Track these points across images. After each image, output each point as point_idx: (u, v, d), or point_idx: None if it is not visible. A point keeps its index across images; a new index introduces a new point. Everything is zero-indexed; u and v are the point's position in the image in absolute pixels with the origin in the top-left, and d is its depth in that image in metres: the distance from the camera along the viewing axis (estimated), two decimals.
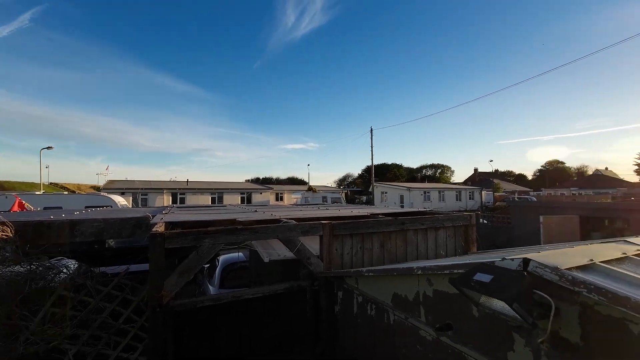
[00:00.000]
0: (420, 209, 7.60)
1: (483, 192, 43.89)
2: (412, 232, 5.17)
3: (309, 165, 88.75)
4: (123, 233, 4.50)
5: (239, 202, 34.34)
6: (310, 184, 48.55)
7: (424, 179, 69.10)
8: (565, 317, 1.64)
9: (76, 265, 4.34)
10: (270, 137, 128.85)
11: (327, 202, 29.99)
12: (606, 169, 66.30)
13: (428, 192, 38.99)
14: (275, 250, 4.97)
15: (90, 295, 3.63)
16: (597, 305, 1.53)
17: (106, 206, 12.19)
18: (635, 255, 2.06)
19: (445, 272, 2.27)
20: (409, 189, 37.57)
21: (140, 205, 28.73)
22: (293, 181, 76.70)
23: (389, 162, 76.04)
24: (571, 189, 50.39)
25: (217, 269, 6.84)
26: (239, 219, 4.72)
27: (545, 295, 1.58)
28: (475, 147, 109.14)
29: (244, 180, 54.66)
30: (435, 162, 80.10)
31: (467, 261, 2.17)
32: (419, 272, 2.53)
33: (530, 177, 76.91)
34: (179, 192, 33.50)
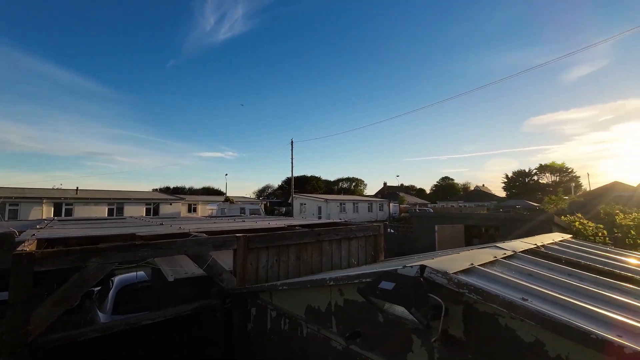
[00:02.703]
0: (335, 220, 7.91)
1: (391, 204, 48.36)
2: (327, 242, 5.32)
3: (226, 175, 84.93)
4: None
5: (143, 214, 30.59)
6: (227, 195, 46.39)
7: (341, 191, 72.87)
8: (453, 316, 1.86)
9: None
10: (184, 144, 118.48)
11: (245, 213, 28.96)
12: (483, 185, 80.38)
13: (344, 204, 41.11)
14: (183, 268, 4.53)
15: None
16: (476, 303, 1.77)
17: None
18: (503, 258, 2.48)
19: (354, 281, 2.36)
20: (326, 200, 39.02)
21: (6, 219, 23.09)
22: (209, 191, 72.23)
23: (309, 174, 78.14)
24: (458, 202, 59.42)
25: (110, 292, 5.88)
26: (140, 234, 4.17)
27: (437, 298, 1.77)
28: (385, 162, 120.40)
29: (150, 190, 49.10)
30: (351, 176, 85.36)
31: (374, 270, 2.31)
32: (331, 282, 2.59)
33: (428, 191, 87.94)
34: (64, 202, 27.98)
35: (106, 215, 27.90)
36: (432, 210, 31.31)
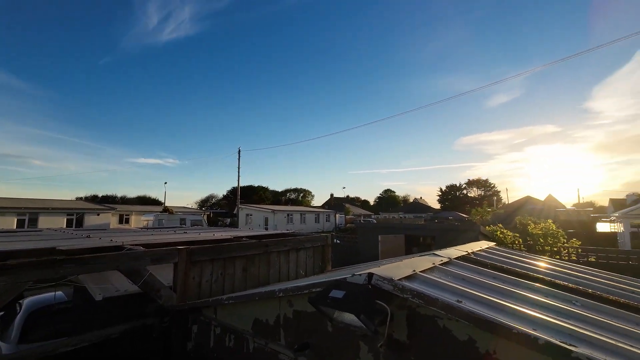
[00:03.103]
0: (283, 231, 7.85)
1: (337, 215, 49.44)
2: (276, 254, 5.25)
3: (166, 183, 77.93)
4: None
5: (64, 226, 26.94)
6: (166, 205, 43.16)
7: (288, 202, 72.57)
8: (397, 320, 1.96)
9: None
10: (116, 148, 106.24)
11: (186, 224, 27.18)
12: (421, 198, 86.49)
13: (291, 215, 40.96)
14: (114, 285, 4.09)
15: None
16: (418, 307, 1.90)
17: None
18: (440, 264, 2.70)
19: (304, 292, 2.37)
20: (273, 211, 38.50)
21: None
22: (145, 201, 66.46)
23: (256, 185, 76.50)
24: (399, 213, 63.00)
25: (17, 318, 5.03)
26: (61, 248, 3.68)
27: (383, 304, 1.86)
28: (332, 174, 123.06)
29: (73, 198, 43.62)
30: (299, 187, 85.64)
31: (324, 279, 2.34)
32: (281, 294, 2.56)
33: (372, 203, 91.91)
34: None
35: (14, 227, 24.01)
36: (375, 221, 32.72)
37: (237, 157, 35.96)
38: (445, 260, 2.88)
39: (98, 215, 30.62)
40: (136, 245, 4.20)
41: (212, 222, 44.86)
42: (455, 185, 76.54)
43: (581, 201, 53.93)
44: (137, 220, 34.74)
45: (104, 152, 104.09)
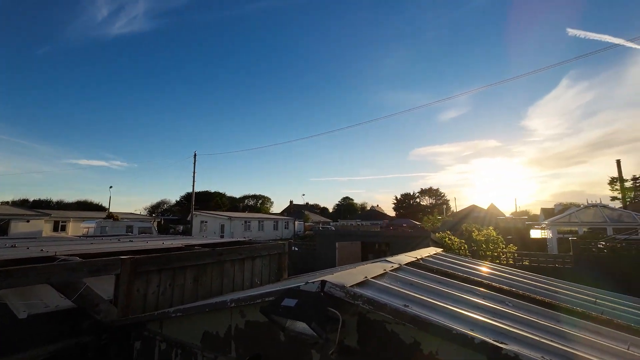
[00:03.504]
0: (239, 239, 7.64)
1: (296, 222, 49.25)
2: (230, 263, 5.08)
3: (111, 187, 71.49)
4: None
5: None
6: (111, 211, 39.81)
7: (246, 208, 70.86)
8: (349, 326, 2.00)
9: None
10: (53, 147, 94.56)
11: (133, 232, 25.24)
12: (377, 205, 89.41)
13: (249, 222, 39.97)
14: (42, 300, 3.67)
15: None
16: (368, 313, 1.96)
17: None
18: (391, 270, 2.81)
19: (257, 301, 2.32)
20: (230, 218, 37.29)
21: None
22: (86, 206, 60.61)
23: (212, 190, 73.59)
24: (357, 220, 64.47)
25: None
26: None
27: (335, 311, 1.89)
28: (292, 181, 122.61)
29: None
30: (257, 193, 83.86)
31: (277, 288, 2.32)
32: (232, 304, 2.48)
33: (331, 210, 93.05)
34: None
35: None
36: (334, 228, 33.13)
37: (193, 161, 34.45)
38: (396, 266, 3.00)
39: (28, 222, 27.36)
40: (72, 255, 3.83)
41: (164, 230, 42.26)
42: (409, 194, 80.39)
43: (518, 210, 59.62)
44: (76, 228, 31.53)
45: (37, 151, 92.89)
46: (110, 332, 3.51)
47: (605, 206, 18.72)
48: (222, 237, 34.31)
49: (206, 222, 38.93)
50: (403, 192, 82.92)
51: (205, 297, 4.58)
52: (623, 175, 28.37)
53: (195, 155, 34.45)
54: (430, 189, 78.85)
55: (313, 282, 2.04)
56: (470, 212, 42.58)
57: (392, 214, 77.78)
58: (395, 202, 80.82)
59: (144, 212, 65.21)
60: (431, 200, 77.98)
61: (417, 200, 79.33)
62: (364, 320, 1.97)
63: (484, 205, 48.46)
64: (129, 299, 3.69)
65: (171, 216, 62.06)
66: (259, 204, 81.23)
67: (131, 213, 44.13)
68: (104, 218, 29.83)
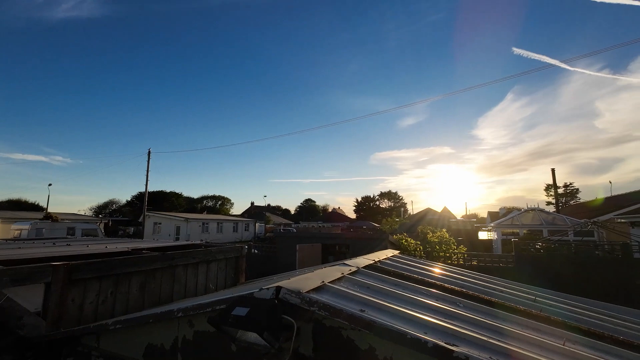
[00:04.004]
0: (195, 242, 7.25)
1: (257, 224, 48.28)
2: (182, 267, 4.77)
3: (50, 185, 64.25)
4: None
5: None
6: (50, 211, 35.97)
7: (204, 209, 67.97)
8: (304, 334, 1.93)
9: None
10: None
11: (75, 234, 22.95)
12: (339, 208, 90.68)
13: (207, 224, 38.44)
14: None
15: None
16: (324, 319, 1.90)
17: None
18: (348, 274, 2.79)
19: (207, 310, 2.16)
20: (186, 219, 35.59)
21: None
22: (19, 205, 54.09)
23: (168, 190, 69.53)
24: (318, 222, 64.82)
25: None
26: None
27: (290, 318, 1.80)
28: (254, 182, 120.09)
29: None
30: (217, 194, 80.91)
31: (229, 295, 2.18)
32: (180, 314, 2.30)
33: (293, 212, 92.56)
34: None
35: None
36: (295, 230, 32.95)
37: (147, 159, 32.33)
38: (354, 269, 2.99)
39: None
40: None
41: (112, 232, 39.20)
42: (370, 196, 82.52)
43: (468, 213, 63.90)
44: (6, 230, 28.04)
45: None
46: (37, 349, 3.10)
47: (542, 210, 20.67)
48: (177, 239, 32.67)
49: (160, 223, 36.78)
50: (364, 194, 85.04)
51: (153, 306, 4.25)
52: (557, 182, 31.53)
53: (149, 152, 32.44)
54: (390, 192, 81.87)
55: (267, 289, 1.94)
56: (425, 215, 44.72)
57: (353, 216, 79.38)
58: (356, 204, 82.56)
59: (90, 213, 59.90)
60: (390, 203, 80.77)
61: (377, 203, 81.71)
62: (320, 327, 1.91)
63: (438, 208, 51.17)
64: (61, 311, 3.29)
65: (121, 217, 57.76)
66: (218, 205, 78.44)
67: (74, 214, 40.26)
68: (40, 219, 26.81)
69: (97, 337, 2.90)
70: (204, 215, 45.64)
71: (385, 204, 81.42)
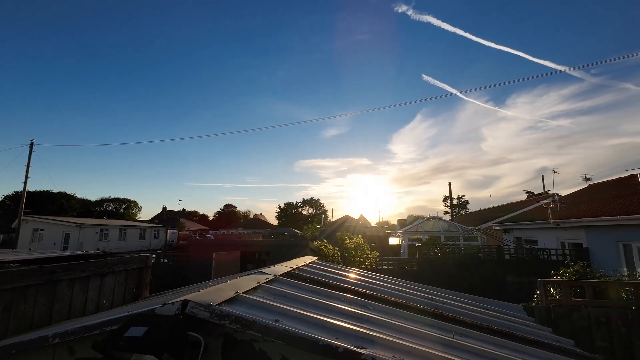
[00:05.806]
0: (88, 252, 6.21)
1: (169, 230, 44.06)
2: (67, 282, 4.02)
3: None
4: None
5: None
6: None
7: (104, 214, 59.18)
8: (212, 351, 1.78)
9: None
10: None
11: None
12: (261, 214, 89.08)
13: (106, 230, 33.49)
14: None
15: None
16: (235, 333, 1.79)
17: None
18: (265, 283, 2.71)
19: (94, 332, 1.84)
20: (79, 225, 30.42)
21: None
22: None
23: (56, 191, 58.48)
24: (239, 229, 62.44)
25: None
26: None
27: (197, 335, 1.65)
28: (167, 185, 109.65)
29: None
30: (121, 196, 71.18)
31: (125, 313, 1.90)
32: (56, 340, 1.90)
33: (211, 217, 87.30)
34: None
35: None
36: (213, 237, 31.05)
37: (29, 152, 26.72)
38: (271, 277, 2.92)
39: None
40: None
41: None
42: (292, 203, 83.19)
43: (381, 220, 69.34)
44: None
45: None
46: None
47: (440, 219, 23.68)
48: (65, 249, 27.67)
49: (42, 230, 30.67)
50: (287, 201, 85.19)
51: (21, 332, 3.45)
52: (452, 194, 36.59)
53: (32, 143, 26.93)
54: (312, 199, 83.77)
55: (172, 303, 1.74)
56: (344, 222, 47.04)
57: (275, 222, 78.72)
58: (279, 211, 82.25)
59: None
60: (312, 210, 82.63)
61: (299, 209, 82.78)
62: (231, 342, 1.79)
63: (355, 215, 54.41)
64: None
65: None
66: (122, 209, 69.19)
67: None
68: None
69: None
70: (103, 221, 39.71)
71: (307, 210, 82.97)
